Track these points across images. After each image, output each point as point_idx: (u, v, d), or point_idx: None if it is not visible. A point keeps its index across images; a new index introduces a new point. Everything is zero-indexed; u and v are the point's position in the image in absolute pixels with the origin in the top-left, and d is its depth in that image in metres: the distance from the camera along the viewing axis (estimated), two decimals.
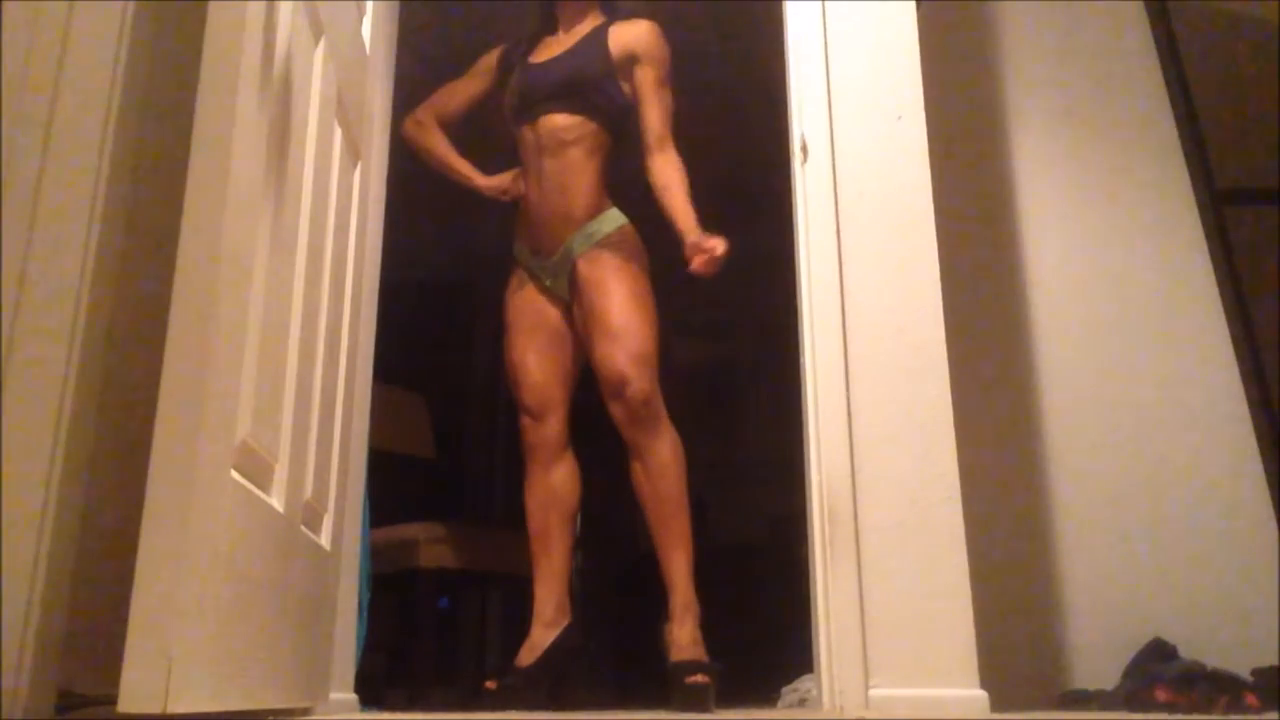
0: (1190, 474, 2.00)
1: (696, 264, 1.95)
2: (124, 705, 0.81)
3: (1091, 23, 2.34)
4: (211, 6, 1.02)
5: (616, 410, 2.00)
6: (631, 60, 2.18)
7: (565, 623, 2.04)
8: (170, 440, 0.88)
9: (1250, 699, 1.59)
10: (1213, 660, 1.74)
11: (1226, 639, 1.84)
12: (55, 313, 1.16)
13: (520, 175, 2.23)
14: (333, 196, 1.47)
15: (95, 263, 1.20)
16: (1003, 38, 2.32)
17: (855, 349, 1.68)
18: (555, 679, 2.02)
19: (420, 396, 3.29)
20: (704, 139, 2.26)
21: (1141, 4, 2.36)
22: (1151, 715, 1.58)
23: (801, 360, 1.75)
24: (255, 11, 1.05)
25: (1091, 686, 1.83)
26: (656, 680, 1.93)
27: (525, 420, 2.15)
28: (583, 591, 3.87)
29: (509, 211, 2.26)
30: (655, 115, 2.17)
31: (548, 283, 2.17)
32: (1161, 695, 1.65)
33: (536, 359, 2.15)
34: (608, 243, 2.10)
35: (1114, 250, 2.17)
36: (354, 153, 1.64)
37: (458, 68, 2.39)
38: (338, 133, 1.51)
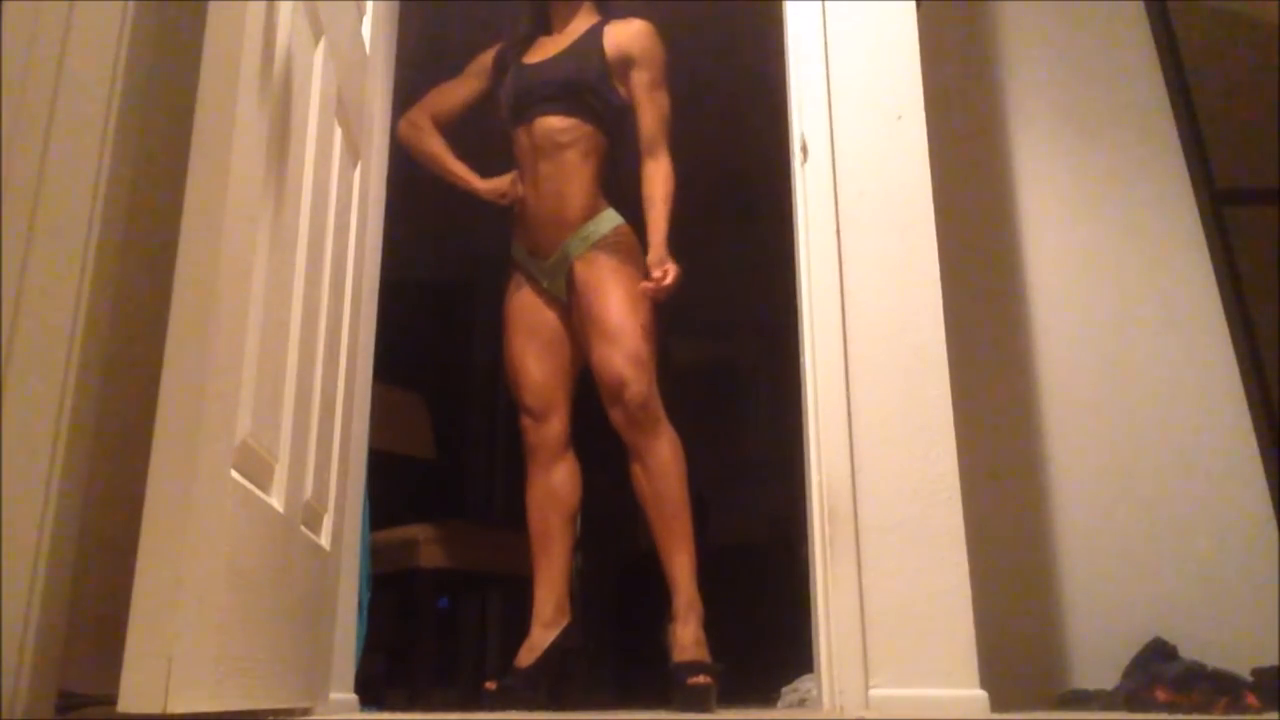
0: (1190, 474, 2.00)
1: (643, 286, 2.03)
2: (124, 705, 0.81)
3: (1091, 23, 2.34)
4: (211, 6, 1.02)
5: (615, 413, 2.01)
6: (626, 61, 2.17)
7: (565, 623, 2.03)
8: (170, 440, 0.88)
9: (1250, 699, 1.59)
10: (1213, 660, 1.74)
11: (1226, 639, 1.84)
12: (55, 313, 1.16)
13: (518, 177, 2.23)
14: (333, 196, 1.47)
15: (95, 263, 1.19)
16: (1003, 38, 2.32)
17: (855, 349, 1.68)
18: (555, 679, 2.02)
19: (420, 396, 3.29)
20: (704, 139, 2.26)
21: (1141, 4, 2.36)
22: (1151, 715, 1.58)
23: (801, 360, 1.75)
24: (255, 11, 1.05)
25: (1091, 686, 1.83)
26: (657, 680, 1.94)
27: (526, 421, 2.15)
28: (583, 592, 3.87)
29: (509, 211, 2.26)
30: (649, 120, 2.17)
31: (545, 284, 2.17)
32: (1161, 695, 1.66)
33: (536, 360, 2.15)
34: (604, 244, 2.10)
35: (1114, 250, 2.17)
36: (354, 153, 1.64)
37: (457, 67, 2.39)
38: (338, 133, 1.51)
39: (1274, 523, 1.96)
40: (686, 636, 1.89)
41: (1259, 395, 2.06)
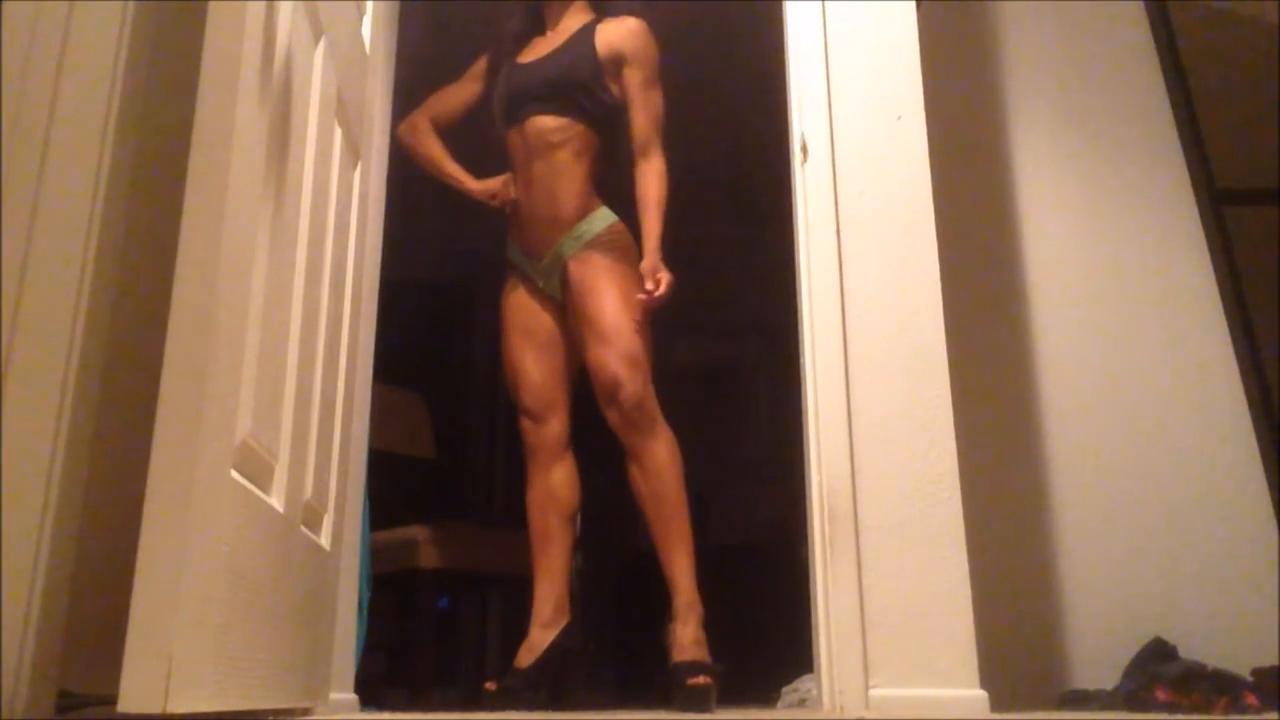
0: (1190, 474, 2.00)
1: (636, 298, 2.03)
2: (124, 705, 0.81)
3: (1091, 23, 2.34)
4: (211, 6, 1.02)
5: (611, 414, 2.01)
6: (618, 60, 2.16)
7: (564, 623, 2.03)
8: (170, 440, 0.88)
9: (1250, 699, 1.59)
10: (1213, 660, 1.74)
11: (1226, 639, 1.84)
12: (55, 313, 1.16)
13: (511, 180, 2.22)
14: (333, 196, 1.47)
15: (95, 263, 1.19)
16: (1003, 38, 2.32)
17: (855, 349, 1.68)
18: (555, 679, 2.02)
19: (420, 396, 3.29)
20: (704, 139, 2.26)
21: (1141, 4, 2.36)
22: (1151, 715, 1.58)
23: (801, 360, 1.75)
24: (255, 11, 1.05)
25: (1091, 686, 1.83)
26: (657, 680, 1.94)
27: (525, 422, 2.15)
28: (583, 592, 3.87)
29: (507, 212, 2.26)
30: (641, 119, 2.16)
31: (540, 284, 2.17)
32: (1161, 695, 1.66)
33: (534, 361, 2.15)
34: (598, 243, 2.10)
35: (1114, 250, 2.17)
36: (354, 153, 1.64)
37: (458, 68, 2.39)
38: (338, 133, 1.51)
39: (1274, 523, 1.96)
40: (686, 636, 1.89)
41: (1259, 395, 2.06)
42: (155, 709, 0.81)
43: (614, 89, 2.17)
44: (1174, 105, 2.27)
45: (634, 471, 2.01)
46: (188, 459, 0.88)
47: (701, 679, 1.79)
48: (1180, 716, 1.56)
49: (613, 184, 2.20)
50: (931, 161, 1.76)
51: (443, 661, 3.32)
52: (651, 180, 2.13)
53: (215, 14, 1.01)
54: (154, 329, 0.97)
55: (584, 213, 2.13)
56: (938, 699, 1.49)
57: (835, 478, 1.63)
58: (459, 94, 2.35)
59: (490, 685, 1.98)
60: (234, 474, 1.00)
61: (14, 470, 1.09)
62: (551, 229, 2.13)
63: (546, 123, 2.14)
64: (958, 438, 1.62)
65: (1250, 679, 1.68)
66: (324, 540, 1.46)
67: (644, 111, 2.16)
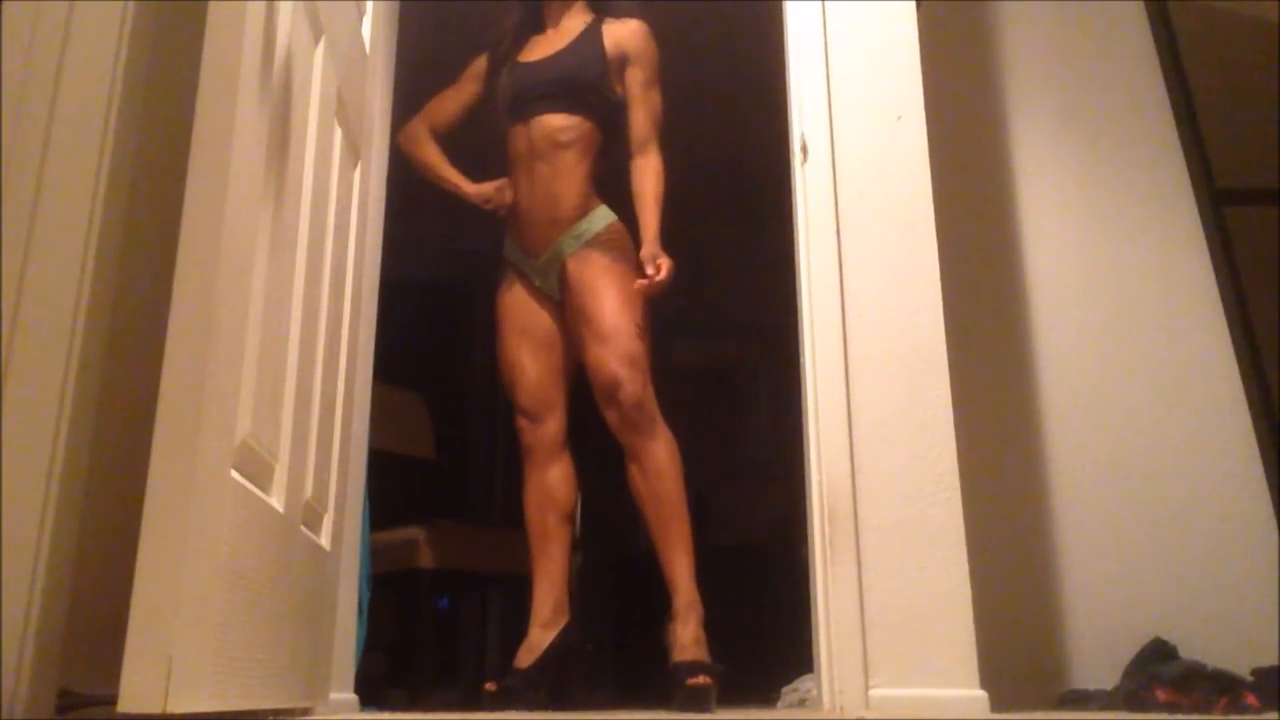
0: (1190, 474, 2.00)
1: (637, 284, 2.03)
2: (124, 705, 0.81)
3: (1091, 23, 2.34)
4: (211, 6, 1.02)
5: (610, 414, 2.01)
6: (623, 59, 2.19)
7: (563, 623, 2.03)
8: (170, 440, 0.88)
9: (1250, 699, 1.59)
10: (1213, 660, 1.74)
11: (1226, 639, 1.84)
12: (55, 313, 1.16)
13: (506, 185, 2.23)
14: (333, 196, 1.47)
15: (95, 263, 1.19)
16: (1003, 38, 2.32)
17: (855, 349, 1.68)
18: (555, 679, 2.02)
19: (420, 396, 3.29)
20: (704, 139, 2.26)
21: (1141, 4, 2.36)
22: (1151, 715, 1.58)
23: (801, 360, 1.75)
24: (255, 11, 1.05)
25: (1091, 686, 1.83)
26: (657, 680, 1.93)
27: (522, 421, 2.15)
28: (582, 592, 3.86)
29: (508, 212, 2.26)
30: (642, 117, 2.18)
31: (537, 282, 2.17)
32: (1161, 695, 1.66)
33: (531, 360, 2.15)
34: (597, 242, 2.10)
35: (1114, 250, 2.17)
36: (354, 153, 1.64)
37: (458, 68, 2.39)
38: (338, 133, 1.51)
39: (1274, 523, 1.95)
40: (686, 636, 1.89)
41: (1259, 395, 2.06)
42: (155, 709, 0.81)
43: (618, 88, 2.19)
44: (1174, 105, 2.27)
45: (633, 472, 2.01)
46: (188, 459, 0.88)
47: (701, 679, 1.79)
48: (1180, 716, 1.56)
49: (610, 182, 2.20)
50: (931, 161, 1.76)
51: (443, 661, 3.32)
52: (649, 175, 2.15)
53: (215, 14, 1.01)
54: (154, 329, 0.97)
55: (584, 211, 2.13)
56: (938, 699, 1.49)
57: (835, 478, 1.63)
58: (457, 97, 2.35)
59: (490, 686, 1.98)
60: (234, 474, 1.00)
61: (14, 470, 1.09)
62: (551, 227, 2.13)
63: (555, 121, 2.15)
64: (958, 438, 1.62)
65: (1250, 679, 1.68)
66: (324, 540, 1.46)
67: (644, 110, 2.18)
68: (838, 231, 1.74)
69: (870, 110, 1.80)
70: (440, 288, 4.27)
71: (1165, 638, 1.84)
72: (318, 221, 1.37)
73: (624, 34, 2.20)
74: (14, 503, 1.09)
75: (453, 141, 2.34)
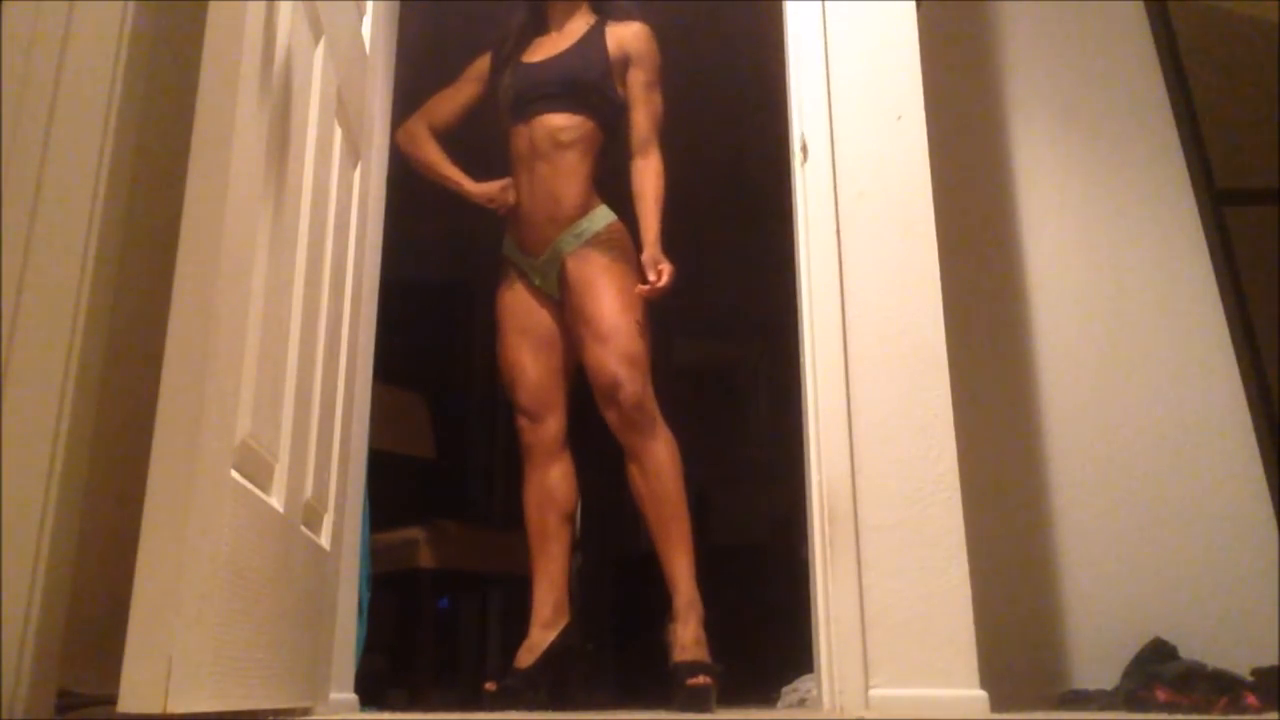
0: (1190, 474, 2.00)
1: (639, 290, 2.04)
2: (124, 705, 0.81)
3: (1091, 23, 2.34)
4: (211, 6, 1.02)
5: (610, 414, 2.01)
6: (626, 61, 2.20)
7: (564, 623, 2.03)
8: (170, 440, 0.88)
9: (1250, 699, 1.59)
10: (1213, 660, 1.74)
11: (1226, 639, 1.84)
12: (55, 313, 1.16)
13: (510, 185, 2.23)
14: (333, 196, 1.47)
15: (95, 263, 1.19)
16: (1003, 38, 2.32)
17: (855, 349, 1.68)
18: (555, 679, 2.02)
19: (420, 396, 3.29)
20: (704, 139, 2.26)
21: (1141, 4, 2.36)
22: (1151, 715, 1.58)
23: (801, 360, 1.75)
24: (255, 11, 1.05)
25: (1091, 686, 1.83)
26: (657, 680, 1.93)
27: (522, 421, 2.15)
28: (582, 592, 3.86)
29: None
30: (643, 119, 2.19)
31: (536, 281, 2.17)
32: (1161, 695, 1.66)
33: (532, 359, 2.15)
34: (596, 241, 2.11)
35: (1114, 250, 2.17)
36: (354, 153, 1.64)
37: (458, 68, 2.39)
38: (338, 133, 1.51)
39: (1274, 523, 1.95)
40: (687, 636, 1.89)
41: (1259, 395, 2.06)
42: (155, 709, 0.81)
43: (620, 89, 2.20)
44: (1174, 105, 2.27)
45: (633, 472, 2.01)
46: (188, 459, 0.88)
47: (701, 679, 1.79)
48: (1180, 716, 1.56)
49: (610, 183, 2.21)
50: (931, 161, 1.76)
51: (443, 661, 3.32)
52: (650, 176, 2.16)
53: (215, 14, 1.01)
54: (154, 329, 0.97)
55: (584, 211, 2.14)
56: (938, 699, 1.49)
57: (835, 478, 1.62)
58: (456, 97, 2.36)
59: (490, 686, 1.98)
60: (234, 474, 1.00)
61: (14, 470, 1.09)
62: (551, 226, 2.14)
63: (558, 121, 2.15)
64: (958, 438, 1.62)
65: (1250, 679, 1.68)
66: (324, 540, 1.46)
67: (645, 111, 2.19)
68: (838, 231, 1.74)
69: (870, 110, 1.80)
70: (440, 288, 4.27)
71: (1165, 638, 1.84)
72: (318, 221, 1.37)
73: (626, 36, 2.21)
74: (14, 503, 1.09)
75: (453, 141, 2.34)
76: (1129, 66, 2.30)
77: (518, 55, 2.27)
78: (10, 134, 1.20)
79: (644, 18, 2.25)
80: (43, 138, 1.21)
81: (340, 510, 1.55)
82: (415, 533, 2.65)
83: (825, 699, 1.56)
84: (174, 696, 0.82)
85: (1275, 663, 1.75)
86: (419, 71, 2.29)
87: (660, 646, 1.94)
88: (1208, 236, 2.17)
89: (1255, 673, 1.71)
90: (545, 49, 2.25)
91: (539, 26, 2.31)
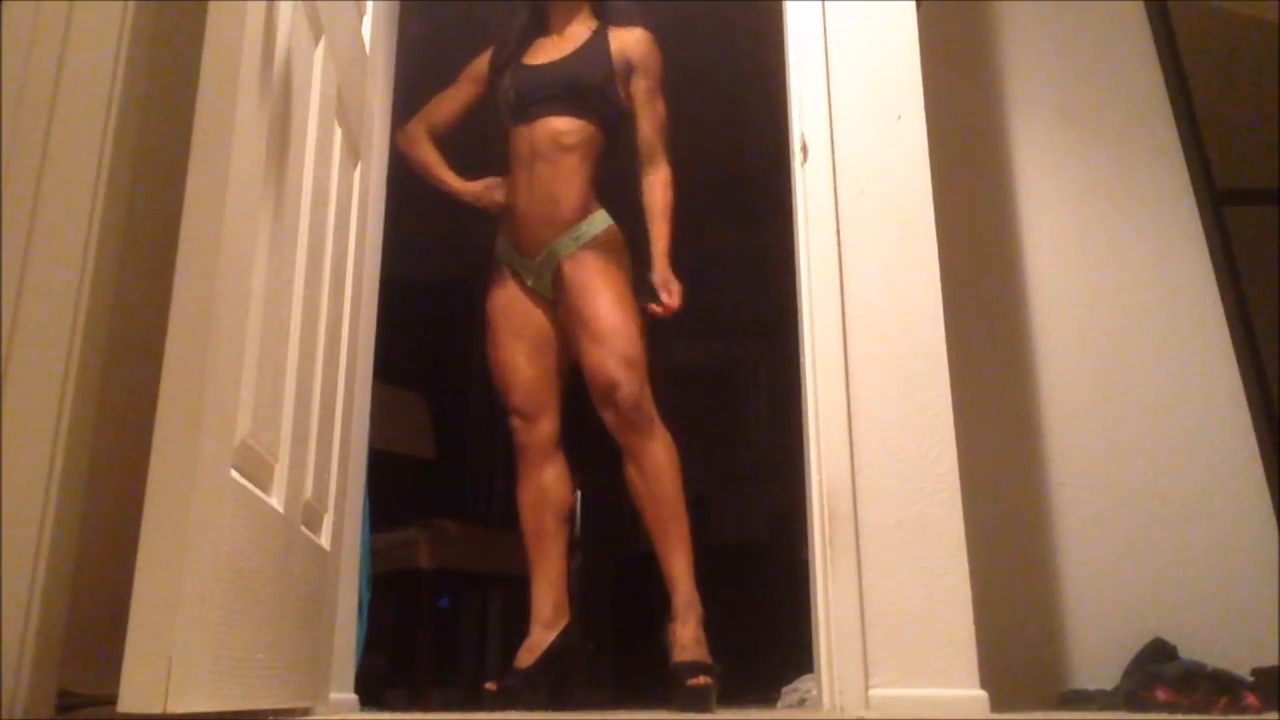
0: (1190, 474, 2.00)
1: (651, 309, 2.07)
2: (124, 705, 0.81)
3: (1091, 23, 2.34)
4: (211, 6, 1.02)
5: (607, 415, 2.01)
6: (629, 67, 2.21)
7: (564, 623, 2.03)
8: (170, 440, 0.88)
9: (1250, 699, 1.59)
10: (1213, 660, 1.74)
11: (1226, 639, 1.84)
12: (55, 313, 1.16)
13: (498, 184, 2.24)
14: (333, 196, 1.47)
15: (95, 263, 1.19)
16: (1003, 38, 2.32)
17: (855, 349, 1.68)
18: (556, 679, 2.02)
19: (420, 396, 3.29)
20: (704, 139, 2.26)
21: (1141, 4, 2.36)
22: (1151, 715, 1.58)
23: (801, 360, 1.75)
24: (255, 11, 1.05)
25: (1091, 686, 1.83)
26: (657, 680, 1.93)
27: (516, 422, 2.15)
28: (582, 592, 3.86)
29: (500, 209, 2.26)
30: (648, 127, 2.21)
31: (530, 282, 2.17)
32: (1161, 695, 1.66)
33: (526, 360, 2.15)
34: (594, 244, 2.11)
35: (1114, 250, 2.17)
36: (354, 153, 1.64)
37: (458, 68, 2.39)
38: (338, 133, 1.51)
39: (1274, 523, 1.96)
40: (686, 636, 1.89)
41: (1259, 395, 2.06)
42: (155, 709, 0.81)
43: (622, 94, 2.20)
44: (1174, 105, 2.27)
45: (631, 472, 2.01)
46: (188, 459, 0.88)
47: (701, 679, 1.79)
48: (1180, 716, 1.56)
49: (606, 187, 2.21)
50: (931, 161, 1.76)
51: (443, 661, 3.32)
52: (659, 189, 2.18)
53: (215, 14, 1.01)
54: (154, 329, 0.97)
55: (583, 214, 2.14)
56: (938, 699, 1.49)
57: (835, 478, 1.62)
58: (456, 98, 2.36)
59: (491, 685, 1.98)
60: (234, 474, 1.00)
61: (14, 470, 1.09)
62: (549, 227, 2.14)
63: (560, 124, 2.15)
64: (958, 438, 1.62)
65: (1250, 679, 1.68)
66: (324, 540, 1.46)
67: (651, 118, 2.21)
68: (838, 231, 1.74)
69: (870, 110, 1.80)
70: (440, 288, 4.26)
71: (1165, 638, 1.84)
72: (318, 221, 1.37)
73: (629, 42, 2.21)
74: (14, 503, 1.09)
75: (454, 141, 2.34)
76: (1129, 66, 2.30)
77: (519, 57, 2.27)
78: (10, 134, 1.20)
79: (645, 21, 2.25)
80: (43, 138, 1.21)
81: (340, 510, 1.55)
82: (415, 533, 2.65)
83: (825, 699, 1.56)
84: (174, 696, 0.82)
85: (1275, 663, 1.75)
86: (419, 71, 2.28)
87: (661, 646, 1.94)
88: (1208, 236, 2.17)
89: (1255, 673, 1.71)
90: (547, 51, 2.25)
91: (540, 28, 2.31)
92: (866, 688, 1.52)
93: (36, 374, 1.14)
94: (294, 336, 1.25)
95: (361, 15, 1.74)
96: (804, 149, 1.81)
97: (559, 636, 2.01)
